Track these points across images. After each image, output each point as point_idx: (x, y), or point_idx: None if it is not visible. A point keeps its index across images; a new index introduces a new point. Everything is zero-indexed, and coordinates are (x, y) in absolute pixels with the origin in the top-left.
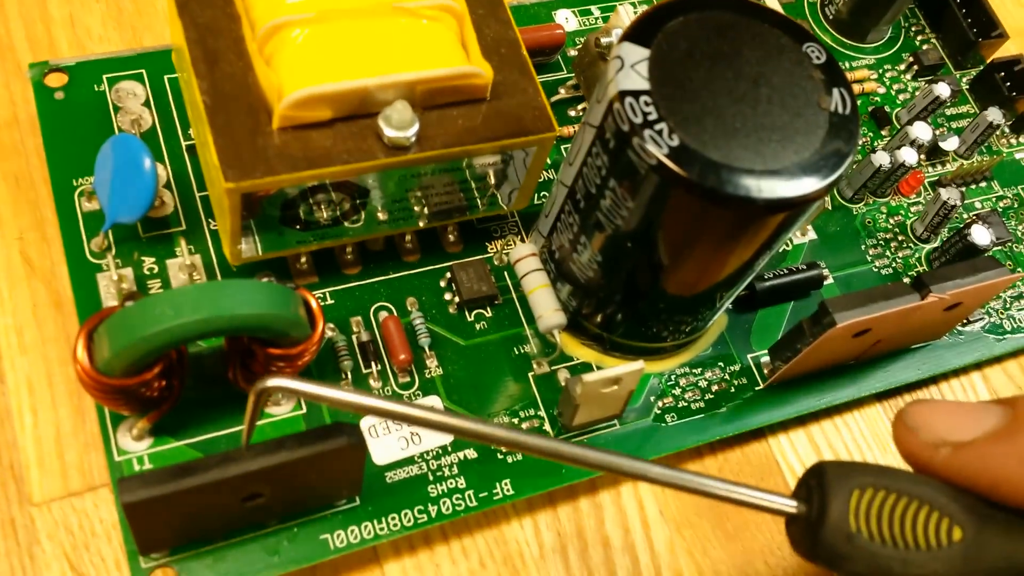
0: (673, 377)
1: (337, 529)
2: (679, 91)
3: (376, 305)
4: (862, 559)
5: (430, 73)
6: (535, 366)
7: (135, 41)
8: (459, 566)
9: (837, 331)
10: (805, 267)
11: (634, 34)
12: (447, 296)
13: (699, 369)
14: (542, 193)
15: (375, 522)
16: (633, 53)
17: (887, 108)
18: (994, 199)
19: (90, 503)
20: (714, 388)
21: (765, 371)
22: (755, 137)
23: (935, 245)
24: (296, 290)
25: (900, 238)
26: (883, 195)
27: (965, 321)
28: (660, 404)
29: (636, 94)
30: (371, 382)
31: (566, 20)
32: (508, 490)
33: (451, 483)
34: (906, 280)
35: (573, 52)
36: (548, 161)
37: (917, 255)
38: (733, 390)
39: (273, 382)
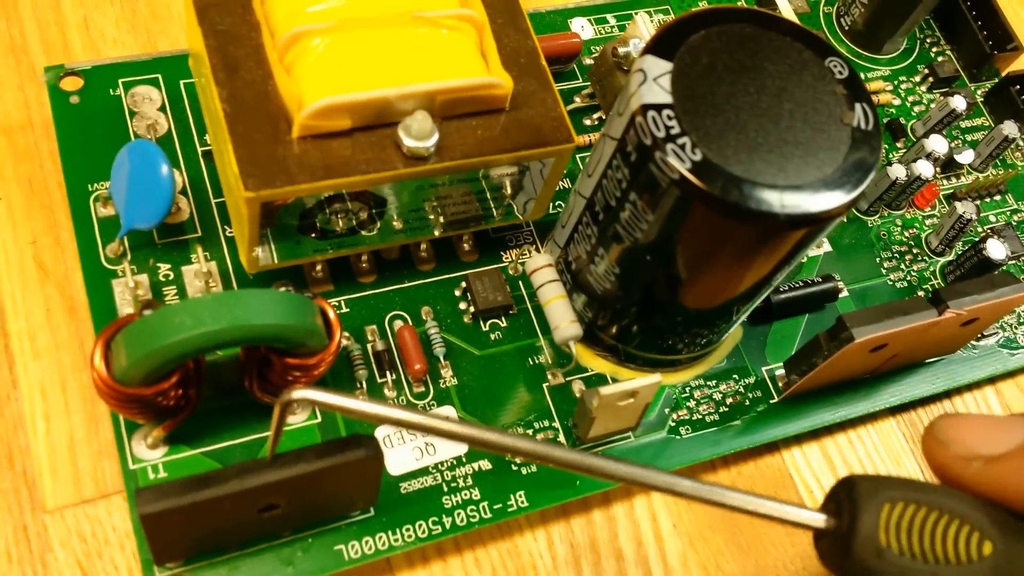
0: (688, 389)
1: (351, 540)
2: (702, 105)
3: (391, 314)
4: (892, 574)
5: (450, 83)
6: (550, 377)
7: (150, 45)
8: None
9: (854, 346)
10: (820, 280)
11: (656, 47)
12: (462, 306)
13: (714, 381)
14: (557, 203)
15: (389, 533)
16: (656, 66)
17: (902, 120)
18: (1008, 213)
19: (103, 510)
20: (728, 401)
21: (780, 384)
22: (778, 152)
23: (950, 259)
24: (314, 299)
25: (915, 251)
26: (898, 208)
27: (979, 336)
28: (675, 416)
29: (659, 108)
30: (386, 391)
31: (582, 28)
32: (523, 502)
33: (465, 494)
34: (920, 294)
35: (589, 60)
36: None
37: (932, 268)
38: (747, 403)
39: (298, 394)
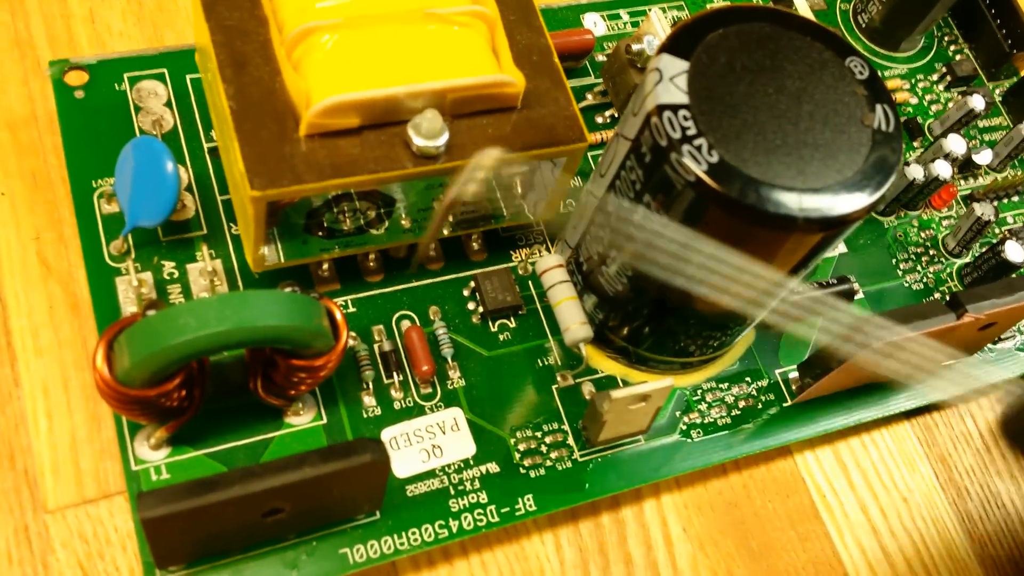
0: (700, 392)
1: (356, 543)
2: (719, 106)
3: (398, 314)
4: None
5: (461, 81)
6: (559, 379)
7: (156, 38)
8: None
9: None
10: (836, 281)
11: (673, 46)
12: (470, 306)
13: (726, 384)
14: (568, 201)
15: (395, 536)
16: (672, 65)
17: (919, 119)
18: None
19: (105, 511)
20: (741, 404)
21: (793, 387)
22: (796, 154)
23: (967, 260)
24: (320, 300)
25: (931, 252)
26: (915, 208)
27: (996, 339)
28: (686, 420)
29: (675, 108)
30: (392, 393)
31: (594, 24)
32: (531, 506)
33: (472, 498)
34: (937, 296)
35: (601, 57)
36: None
37: (948, 270)
38: (760, 406)
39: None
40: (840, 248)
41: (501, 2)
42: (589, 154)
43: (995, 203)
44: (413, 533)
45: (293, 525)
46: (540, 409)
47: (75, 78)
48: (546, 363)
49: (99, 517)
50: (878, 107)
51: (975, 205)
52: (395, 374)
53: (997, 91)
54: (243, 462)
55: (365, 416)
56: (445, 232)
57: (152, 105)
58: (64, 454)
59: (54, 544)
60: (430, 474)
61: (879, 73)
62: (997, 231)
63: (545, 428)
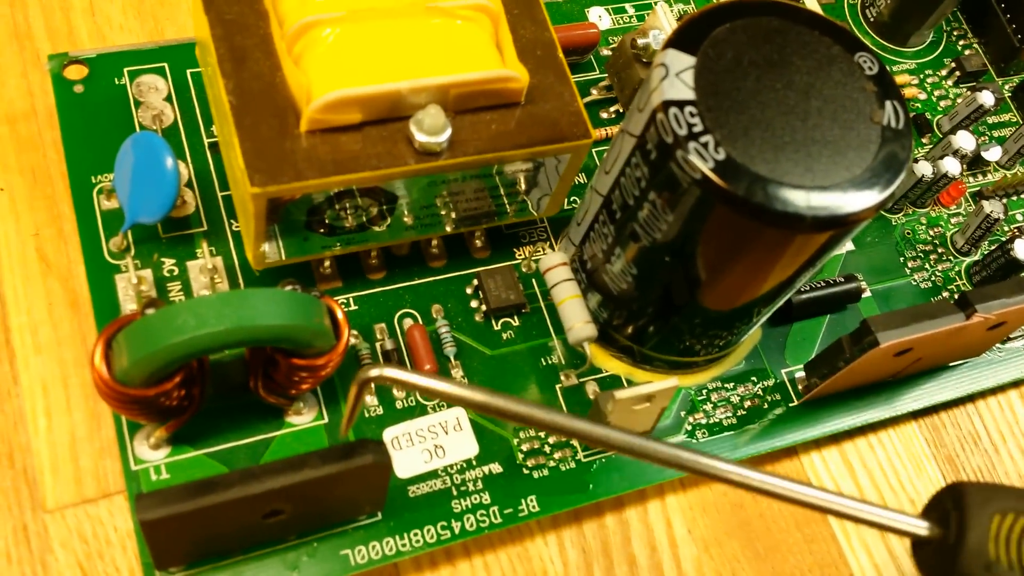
0: (705, 392)
1: (358, 544)
2: (726, 102)
3: (401, 312)
4: None
5: (465, 76)
6: (563, 378)
7: (156, 32)
8: None
9: (879, 351)
10: (843, 280)
11: (679, 41)
12: (473, 304)
13: (731, 384)
14: (573, 199)
15: (397, 538)
16: (678, 61)
17: (928, 115)
18: None
19: (105, 510)
20: (747, 404)
21: (800, 387)
22: (805, 152)
23: (976, 258)
24: (321, 298)
25: (940, 251)
26: (923, 205)
27: (1005, 339)
28: (691, 420)
29: (681, 104)
30: (394, 392)
31: (599, 18)
32: (534, 507)
33: (475, 499)
34: (945, 295)
35: (606, 52)
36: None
37: (957, 268)
38: (766, 406)
39: (375, 372)
40: (847, 246)
41: None
42: (594, 150)
43: (1004, 200)
44: (415, 534)
45: (294, 526)
46: None
47: (75, 72)
48: (549, 362)
49: (99, 517)
50: (887, 103)
51: (984, 202)
52: None
53: (1007, 87)
54: (244, 462)
55: (367, 415)
56: (448, 229)
57: (152, 100)
58: (63, 453)
59: (53, 544)
60: (432, 475)
61: (888, 68)
62: (1006, 229)
63: None
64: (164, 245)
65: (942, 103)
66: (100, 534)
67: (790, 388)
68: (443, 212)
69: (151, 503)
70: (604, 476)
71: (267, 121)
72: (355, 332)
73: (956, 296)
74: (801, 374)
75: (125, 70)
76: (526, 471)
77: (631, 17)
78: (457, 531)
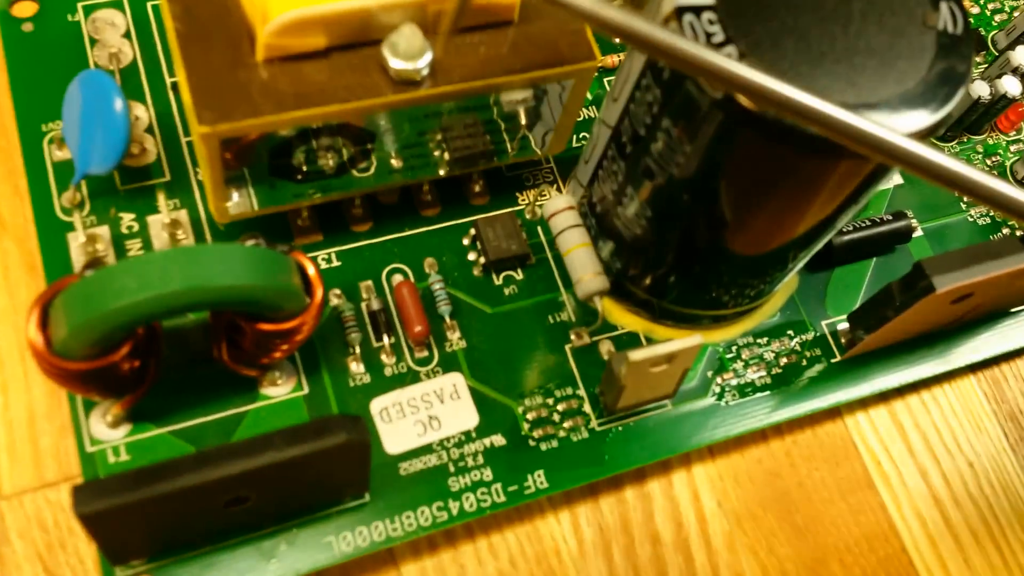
0: (735, 349)
1: (343, 531)
2: (752, 6)
3: (389, 267)
4: None
5: None
6: (573, 337)
7: None
8: (486, 566)
9: (934, 297)
10: (890, 217)
11: None
12: (471, 256)
13: (765, 339)
14: (582, 134)
15: (387, 521)
16: None
17: (982, 30)
18: None
19: (66, 495)
20: (782, 361)
21: (843, 340)
22: (846, 63)
23: None
24: (289, 253)
25: None
26: (979, 132)
27: None
28: (719, 380)
29: (697, 10)
30: (383, 357)
31: None
32: (542, 483)
33: (476, 475)
34: (1006, 231)
35: None
36: (589, 97)
37: None
38: (805, 363)
39: None
40: (895, 179)
41: None
42: (605, 80)
43: None
44: (407, 517)
45: (266, 514)
46: (552, 372)
47: (23, 9)
48: (558, 320)
49: (60, 503)
50: (943, 4)
51: None
52: (385, 336)
53: None
54: (213, 440)
55: (352, 385)
56: (441, 172)
57: (109, 37)
58: (21, 432)
59: (10, 534)
60: (426, 449)
61: None
62: None
63: (558, 394)
64: (122, 199)
65: (997, 17)
66: (62, 522)
67: (832, 342)
68: (434, 153)
69: (88, 495)
70: (621, 446)
71: (218, 50)
72: (337, 291)
73: (1020, 232)
74: (844, 326)
75: (79, 5)
76: (532, 443)
77: None
78: (455, 512)
